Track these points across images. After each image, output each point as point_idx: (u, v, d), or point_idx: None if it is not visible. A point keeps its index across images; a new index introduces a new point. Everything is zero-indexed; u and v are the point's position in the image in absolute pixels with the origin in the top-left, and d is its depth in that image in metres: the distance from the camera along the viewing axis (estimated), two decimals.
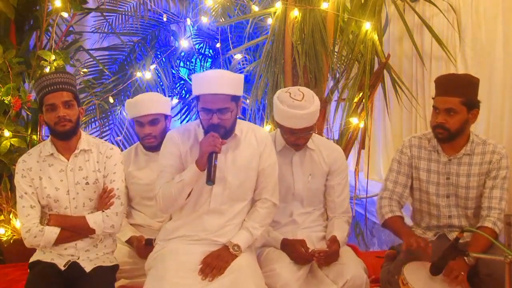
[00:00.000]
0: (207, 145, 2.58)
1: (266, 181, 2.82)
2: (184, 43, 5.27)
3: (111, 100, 4.82)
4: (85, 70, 4.93)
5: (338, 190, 3.06)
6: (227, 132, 2.68)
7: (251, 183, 2.80)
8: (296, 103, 2.82)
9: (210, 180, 2.56)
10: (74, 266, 2.78)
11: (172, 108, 5.44)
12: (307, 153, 3.03)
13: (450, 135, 2.87)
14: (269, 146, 2.84)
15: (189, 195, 2.68)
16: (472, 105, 2.86)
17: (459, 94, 2.82)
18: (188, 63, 5.53)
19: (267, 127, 4.26)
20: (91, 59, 5.12)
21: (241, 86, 2.73)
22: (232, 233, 2.75)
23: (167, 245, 2.74)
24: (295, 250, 2.85)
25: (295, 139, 2.93)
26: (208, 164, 2.57)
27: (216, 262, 2.61)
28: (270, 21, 4.39)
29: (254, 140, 2.81)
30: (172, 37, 5.54)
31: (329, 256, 2.82)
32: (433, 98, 2.92)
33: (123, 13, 5.31)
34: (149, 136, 3.34)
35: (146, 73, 4.99)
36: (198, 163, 2.61)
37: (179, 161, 2.74)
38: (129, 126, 5.10)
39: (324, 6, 4.05)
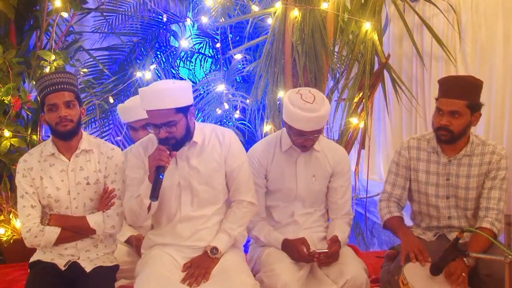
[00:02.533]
0: (153, 159, 2.59)
1: (237, 183, 2.81)
2: (184, 43, 5.27)
3: (111, 100, 4.82)
4: (85, 70, 4.92)
5: (341, 192, 3.05)
6: (179, 142, 2.67)
7: (220, 186, 2.80)
8: (308, 105, 2.79)
9: (153, 197, 2.55)
10: (74, 266, 2.78)
11: None
12: (312, 154, 3.01)
13: (453, 137, 2.86)
14: (234, 148, 2.81)
15: (149, 209, 2.67)
16: (476, 108, 2.84)
17: (464, 97, 2.80)
18: (188, 63, 5.53)
19: (268, 127, 4.25)
20: (91, 59, 5.12)
21: (187, 95, 2.67)
22: (209, 235, 2.77)
23: (150, 253, 2.78)
24: (296, 250, 2.85)
25: (303, 141, 2.90)
26: (154, 179, 2.57)
27: (198, 272, 2.64)
28: (270, 21, 4.39)
29: (217, 144, 2.79)
30: (172, 37, 5.54)
31: (329, 257, 2.82)
32: (436, 99, 2.91)
33: (123, 13, 5.31)
34: None
35: (146, 73, 4.99)
36: (148, 178, 2.62)
37: (143, 173, 2.73)
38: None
39: (324, 6, 4.04)
